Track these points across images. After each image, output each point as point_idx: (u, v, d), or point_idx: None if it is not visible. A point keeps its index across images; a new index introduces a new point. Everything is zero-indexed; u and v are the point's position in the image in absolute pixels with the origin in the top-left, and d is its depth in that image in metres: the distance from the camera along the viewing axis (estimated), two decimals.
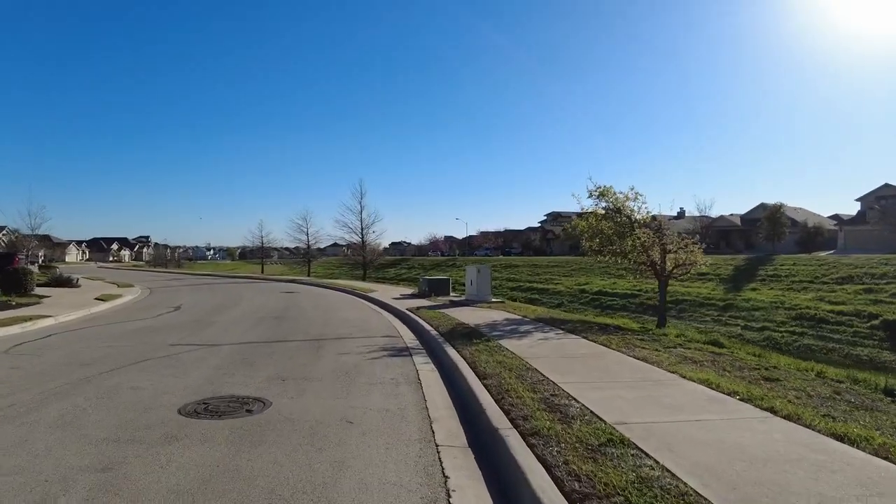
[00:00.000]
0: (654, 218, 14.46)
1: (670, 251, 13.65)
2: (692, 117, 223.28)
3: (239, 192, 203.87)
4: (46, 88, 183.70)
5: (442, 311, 14.00)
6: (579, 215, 16.64)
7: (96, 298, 18.36)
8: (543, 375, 6.42)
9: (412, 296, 19.75)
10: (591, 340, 9.30)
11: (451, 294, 19.84)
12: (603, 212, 14.41)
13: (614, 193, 14.35)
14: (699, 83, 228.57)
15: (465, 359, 7.47)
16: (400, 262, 68.95)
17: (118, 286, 26.89)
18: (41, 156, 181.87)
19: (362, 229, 45.21)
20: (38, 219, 32.32)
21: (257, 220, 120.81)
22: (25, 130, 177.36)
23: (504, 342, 8.91)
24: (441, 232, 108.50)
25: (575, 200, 14.90)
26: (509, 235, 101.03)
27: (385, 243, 78.95)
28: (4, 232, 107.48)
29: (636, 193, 14.24)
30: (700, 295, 32.28)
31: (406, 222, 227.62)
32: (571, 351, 8.30)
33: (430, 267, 59.58)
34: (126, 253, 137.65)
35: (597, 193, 14.53)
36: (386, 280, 53.12)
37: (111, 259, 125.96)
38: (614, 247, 14.20)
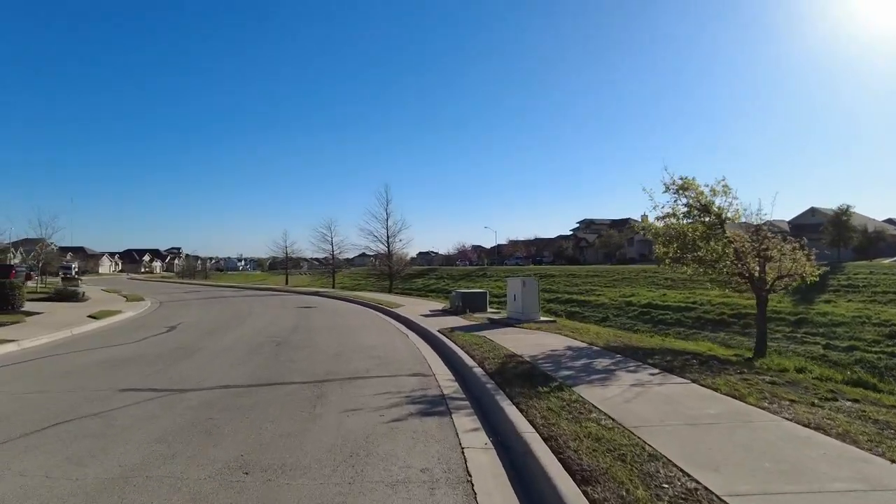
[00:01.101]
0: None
1: (771, 258, 10.73)
2: (732, 120, 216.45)
3: (269, 203, 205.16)
4: (81, 106, 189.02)
5: (482, 334, 11.32)
6: (642, 218, 13.78)
7: (90, 316, 16.29)
8: (683, 472, 3.72)
9: (443, 312, 17.12)
10: (707, 386, 6.50)
11: (489, 310, 17.13)
12: (685, 209, 11.57)
13: (698, 187, 11.51)
14: (738, 86, 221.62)
15: (536, 428, 4.77)
16: (427, 272, 66.51)
17: (127, 300, 25.06)
18: (78, 168, 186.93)
19: (388, 238, 42.76)
20: (50, 229, 31.01)
21: (286, 229, 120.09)
22: (62, 143, 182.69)
23: (583, 391, 6.18)
24: (469, 241, 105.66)
25: (647, 197, 11.96)
26: (540, 244, 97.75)
27: (412, 253, 76.82)
28: (42, 244, 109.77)
29: (725, 186, 11.36)
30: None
31: (432, 232, 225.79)
32: (693, 410, 5.50)
33: (459, 277, 56.95)
34: (158, 264, 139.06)
35: (675, 187, 11.67)
36: (413, 292, 50.64)
37: (143, 270, 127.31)
38: (699, 253, 11.36)
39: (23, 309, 17.07)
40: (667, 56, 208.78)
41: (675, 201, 11.80)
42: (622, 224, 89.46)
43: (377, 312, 19.05)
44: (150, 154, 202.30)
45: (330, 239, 50.22)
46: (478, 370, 7.60)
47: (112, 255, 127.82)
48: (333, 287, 46.87)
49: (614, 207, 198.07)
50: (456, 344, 10.01)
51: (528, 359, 8.37)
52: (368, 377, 7.55)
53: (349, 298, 26.17)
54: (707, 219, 11.37)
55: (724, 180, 11.33)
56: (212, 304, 24.03)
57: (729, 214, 11.30)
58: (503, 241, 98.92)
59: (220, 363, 8.55)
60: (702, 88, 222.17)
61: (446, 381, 7.41)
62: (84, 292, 24.03)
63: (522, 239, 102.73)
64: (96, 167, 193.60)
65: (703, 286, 32.95)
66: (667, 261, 12.20)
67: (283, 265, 70.36)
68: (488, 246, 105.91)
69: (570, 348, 9.65)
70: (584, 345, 10.09)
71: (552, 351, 9.25)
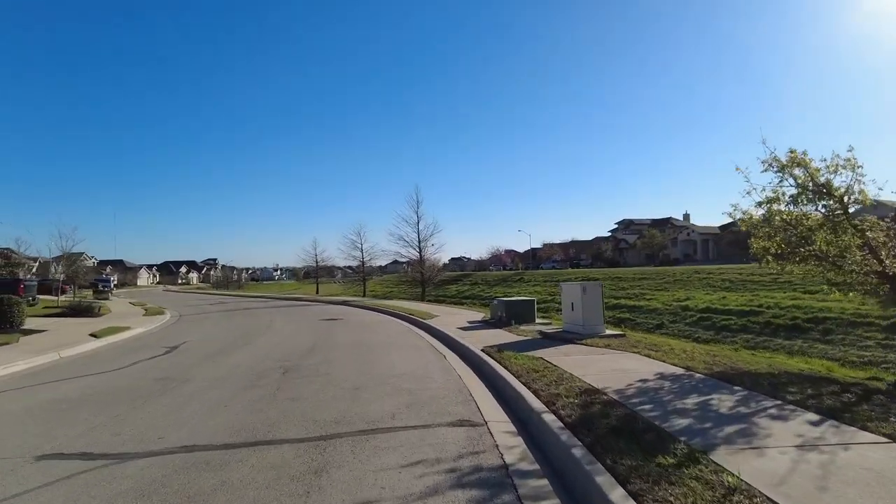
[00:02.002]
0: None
1: None
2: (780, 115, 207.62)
3: (303, 211, 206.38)
4: (121, 123, 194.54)
5: (539, 354, 8.98)
6: (732, 207, 11.20)
7: (92, 334, 14.64)
8: None
9: (483, 323, 14.84)
10: None
11: (538, 321, 14.75)
12: (795, 191, 9.02)
13: (810, 162, 8.95)
14: (774, 81, 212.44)
15: None
16: (461, 277, 64.20)
17: (146, 314, 23.66)
18: (117, 183, 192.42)
19: (419, 242, 40.69)
20: (70, 241, 29.97)
21: (319, 238, 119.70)
22: (101, 159, 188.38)
23: (730, 460, 3.79)
24: (502, 245, 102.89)
25: (743, 178, 9.41)
26: (576, 246, 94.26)
27: (444, 258, 74.70)
28: (83, 258, 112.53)
29: (849, 161, 8.73)
30: (845, 310, 25.45)
31: (464, 237, 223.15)
32: None
33: (495, 282, 54.46)
34: (194, 275, 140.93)
35: (779, 165, 9.14)
36: (447, 299, 48.38)
37: (180, 282, 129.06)
38: (813, 247, 8.82)
39: (24, 327, 15.59)
40: (703, 50, 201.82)
41: (779, 181, 9.24)
42: (663, 223, 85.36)
43: (409, 325, 16.90)
44: (188, 167, 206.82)
45: (360, 246, 48.61)
46: (549, 417, 5.28)
47: (150, 267, 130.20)
48: (364, 295, 45.11)
49: (654, 206, 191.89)
50: (509, 370, 7.71)
51: (615, 396, 6.01)
52: (394, 429, 5.32)
53: (379, 308, 24.14)
54: (825, 203, 8.81)
55: (851, 151, 8.70)
56: (232, 318, 22.33)
57: (856, 196, 8.71)
58: (537, 245, 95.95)
59: (199, 405, 6.46)
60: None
61: (506, 437, 5.11)
62: (100, 307, 22.67)
63: (558, 241, 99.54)
64: (135, 182, 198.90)
65: (766, 287, 29.67)
66: (768, 258, 9.57)
67: (322, 273, 69.20)
68: (521, 250, 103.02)
69: (663, 376, 7.23)
70: (679, 370, 7.63)
71: (642, 382, 6.84)
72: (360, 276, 52.33)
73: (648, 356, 8.84)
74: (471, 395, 6.85)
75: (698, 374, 7.30)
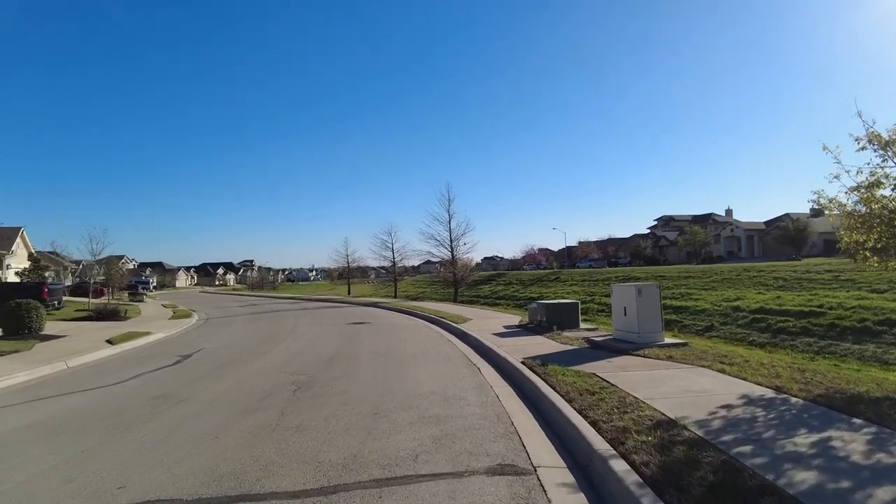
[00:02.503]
0: None
1: None
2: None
3: (338, 212, 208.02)
4: (161, 132, 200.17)
5: (590, 369, 7.65)
6: (816, 194, 9.55)
7: (108, 340, 14.01)
8: None
9: (521, 329, 13.54)
10: None
11: (582, 326, 13.36)
12: None
13: None
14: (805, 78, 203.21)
15: None
16: (494, 277, 62.73)
17: (174, 316, 23.23)
18: (159, 187, 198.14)
19: (451, 241, 39.50)
20: (100, 244, 29.62)
21: (351, 238, 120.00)
22: (142, 166, 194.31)
23: None
24: (535, 243, 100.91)
25: (832, 159, 7.91)
26: (613, 244, 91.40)
27: (477, 258, 73.28)
28: (123, 260, 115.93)
29: None
30: None
31: (496, 236, 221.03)
32: None
33: (530, 282, 52.86)
34: (231, 277, 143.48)
35: (881, 142, 7.62)
36: (480, 300, 47.02)
37: (217, 283, 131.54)
38: None
39: (44, 332, 15.11)
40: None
41: (881, 161, 7.68)
42: (704, 219, 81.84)
43: (439, 330, 15.74)
44: (225, 168, 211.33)
45: (391, 245, 47.79)
46: (619, 465, 3.98)
47: (188, 269, 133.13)
48: (396, 297, 44.24)
49: (693, 202, 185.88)
50: (557, 391, 6.41)
51: (699, 432, 4.65)
52: (417, 478, 4.10)
53: (409, 310, 23.06)
54: None
55: None
56: (258, 321, 21.63)
57: None
58: (572, 243, 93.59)
59: (185, 435, 5.39)
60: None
61: (563, 495, 3.81)
62: (127, 311, 22.34)
63: (594, 239, 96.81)
64: (174, 186, 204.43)
65: (825, 285, 27.28)
66: (864, 253, 8.00)
67: (355, 274, 68.80)
68: (555, 248, 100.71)
69: (750, 400, 5.81)
70: (768, 392, 6.19)
71: (726, 409, 5.44)
72: (390, 277, 51.45)
73: (723, 371, 7.39)
74: (512, 424, 5.58)
75: (795, 399, 5.84)
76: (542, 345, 10.53)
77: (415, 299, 38.49)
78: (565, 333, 12.03)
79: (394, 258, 47.75)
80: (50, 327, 17.77)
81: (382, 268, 60.12)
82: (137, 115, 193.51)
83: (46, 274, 40.17)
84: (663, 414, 5.24)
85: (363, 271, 71.58)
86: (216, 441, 5.17)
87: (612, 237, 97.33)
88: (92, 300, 35.59)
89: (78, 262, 65.83)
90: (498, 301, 45.34)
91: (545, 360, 8.49)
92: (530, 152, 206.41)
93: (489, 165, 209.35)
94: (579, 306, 13.75)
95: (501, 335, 12.46)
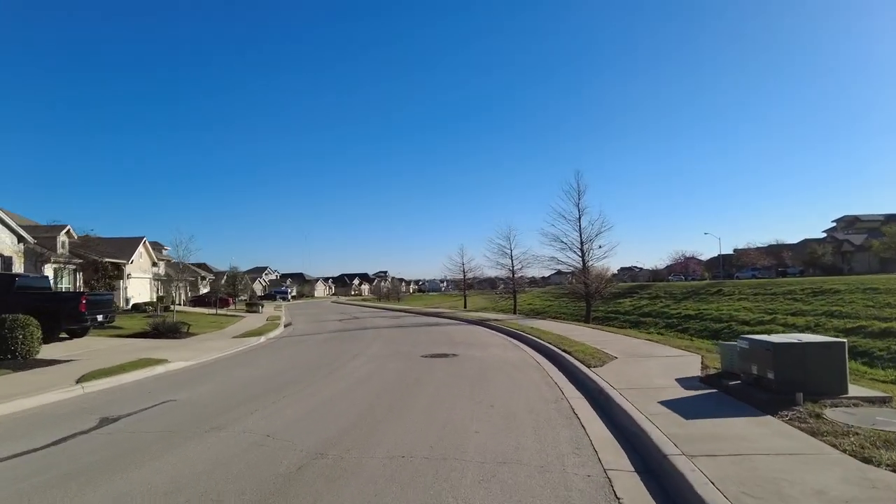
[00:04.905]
0: None
1: None
2: None
3: (467, 224, 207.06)
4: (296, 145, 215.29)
5: None
6: None
7: (80, 377, 10.00)
8: None
9: (710, 386, 6.91)
10: None
11: (851, 388, 6.45)
12: None
13: None
14: None
15: None
16: (636, 289, 53.61)
17: (245, 333, 19.78)
18: (310, 204, 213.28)
19: (582, 244, 32.07)
20: (186, 250, 29.37)
21: (462, 245, 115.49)
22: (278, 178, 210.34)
23: None
24: (682, 250, 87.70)
25: None
26: (778, 250, 75.90)
27: (613, 267, 64.14)
28: (267, 271, 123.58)
29: None
30: None
31: (633, 243, 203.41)
32: None
33: (683, 296, 43.37)
34: (366, 287, 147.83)
35: None
36: (619, 317, 38.83)
37: (353, 293, 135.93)
38: None
39: (38, 356, 11.81)
40: None
41: None
42: None
43: (558, 376, 9.63)
44: (366, 182, 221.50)
45: (509, 252, 41.76)
46: None
47: (326, 279, 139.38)
48: (515, 312, 37.96)
49: (881, 200, 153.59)
50: None
51: None
52: None
53: (523, 333, 17.01)
54: None
55: None
56: (327, 342, 17.24)
57: None
58: (727, 250, 79.66)
59: None
60: None
61: None
62: (189, 327, 19.31)
63: (754, 247, 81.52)
64: (324, 201, 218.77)
65: None
66: None
67: (485, 286, 64.16)
68: (705, 256, 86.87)
69: None
70: None
71: None
72: (511, 289, 44.72)
73: None
74: None
75: None
76: (789, 451, 4.11)
77: (536, 316, 32.03)
78: (830, 414, 5.32)
79: (512, 266, 41.68)
80: (76, 346, 14.86)
81: (499, 278, 53.80)
82: (276, 128, 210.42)
83: (173, 283, 40.75)
84: None
85: (493, 283, 65.15)
86: None
87: (778, 242, 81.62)
88: (218, 310, 35.37)
89: (223, 273, 69.69)
90: (642, 319, 36.98)
91: None
92: (673, 149, 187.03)
93: (623, 164, 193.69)
94: (846, 348, 6.69)
95: (673, 403, 6.14)
